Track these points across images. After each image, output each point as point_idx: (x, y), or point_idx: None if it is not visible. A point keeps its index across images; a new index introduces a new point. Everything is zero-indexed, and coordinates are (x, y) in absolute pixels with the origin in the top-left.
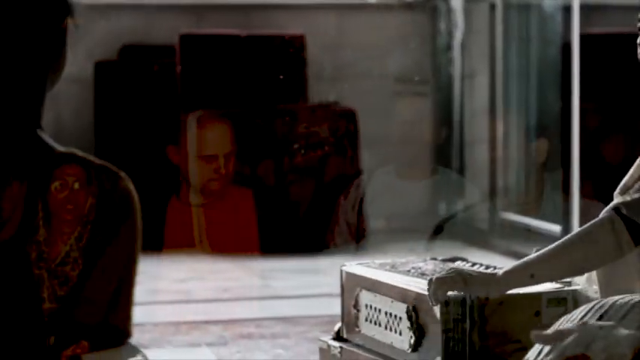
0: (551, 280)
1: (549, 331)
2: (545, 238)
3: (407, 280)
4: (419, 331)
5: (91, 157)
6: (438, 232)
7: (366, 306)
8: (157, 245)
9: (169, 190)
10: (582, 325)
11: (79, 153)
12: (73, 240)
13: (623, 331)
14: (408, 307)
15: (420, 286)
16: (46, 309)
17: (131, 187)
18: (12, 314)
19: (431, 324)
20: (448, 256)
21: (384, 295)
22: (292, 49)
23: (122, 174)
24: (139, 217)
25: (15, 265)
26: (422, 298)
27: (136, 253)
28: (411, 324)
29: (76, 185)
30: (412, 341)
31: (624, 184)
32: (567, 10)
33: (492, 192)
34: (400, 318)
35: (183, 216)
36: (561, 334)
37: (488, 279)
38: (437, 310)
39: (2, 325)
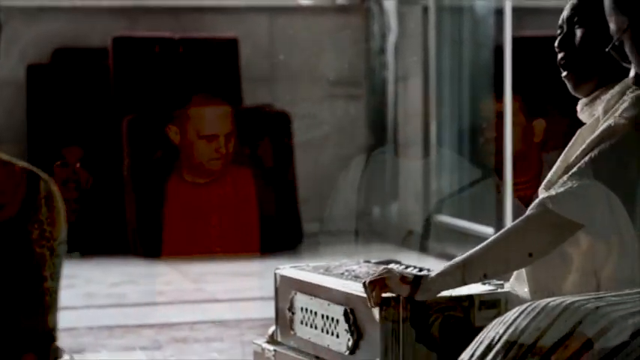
0: (483, 280)
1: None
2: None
3: (342, 283)
4: (357, 333)
5: (15, 160)
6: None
7: (302, 309)
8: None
9: (168, 170)
10: None
11: (4, 157)
12: None
13: None
14: (345, 310)
15: (358, 288)
16: (47, 288)
17: (55, 189)
18: (14, 292)
19: (369, 326)
20: (382, 258)
21: (320, 297)
22: (225, 52)
23: (45, 177)
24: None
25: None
26: (359, 300)
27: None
28: (349, 326)
29: None
30: (350, 343)
31: (548, 180)
32: (499, 12)
33: (426, 194)
34: (337, 320)
35: (184, 194)
36: None
37: (421, 280)
38: (375, 312)
39: (4, 305)
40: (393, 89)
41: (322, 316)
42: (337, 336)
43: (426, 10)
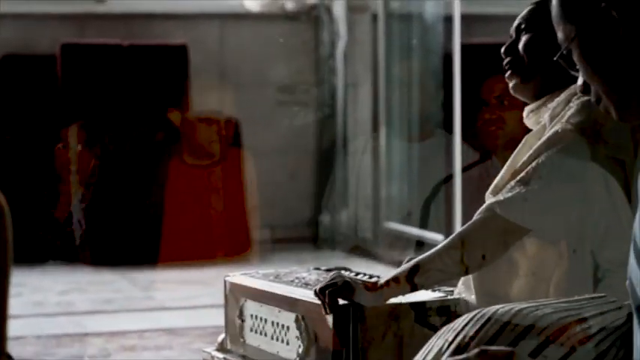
0: (433, 286)
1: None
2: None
3: (292, 290)
4: (307, 339)
5: None
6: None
7: (251, 316)
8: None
9: (168, 152)
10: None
11: None
12: None
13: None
14: (297, 317)
15: (309, 295)
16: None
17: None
18: None
19: (320, 333)
20: (331, 265)
21: (270, 304)
22: (175, 58)
23: None
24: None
25: None
26: (311, 307)
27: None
28: (300, 333)
29: None
30: (300, 350)
31: (495, 185)
32: (448, 20)
33: (376, 201)
34: (288, 327)
35: (185, 176)
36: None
37: (371, 287)
38: (329, 318)
39: None
40: (343, 96)
41: (272, 323)
42: (287, 343)
43: (375, 17)
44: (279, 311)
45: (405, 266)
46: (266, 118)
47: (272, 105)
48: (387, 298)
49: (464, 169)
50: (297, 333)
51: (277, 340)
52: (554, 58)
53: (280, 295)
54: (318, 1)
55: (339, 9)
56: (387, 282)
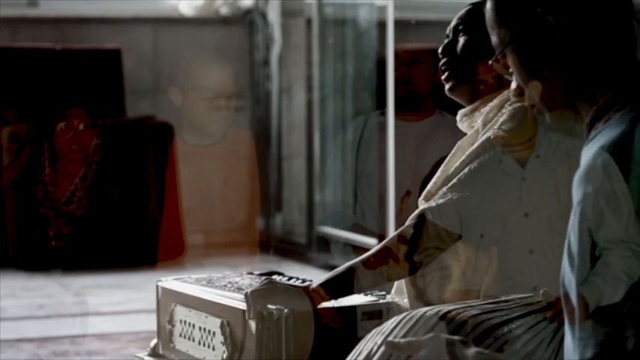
0: (365, 290)
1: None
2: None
3: (222, 295)
4: (232, 345)
5: None
6: None
7: (181, 321)
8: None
9: (170, 132)
10: (433, 338)
11: None
12: None
13: (471, 349)
14: (222, 322)
15: (235, 300)
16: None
17: None
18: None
19: (245, 338)
20: (264, 270)
21: (198, 310)
22: (108, 63)
23: None
24: None
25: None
26: (236, 312)
27: None
28: (225, 339)
29: None
30: (225, 356)
31: (428, 191)
32: (382, 25)
33: (310, 206)
34: (214, 333)
35: (187, 156)
36: (414, 346)
37: (302, 291)
38: (253, 324)
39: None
40: (277, 101)
41: (200, 328)
42: (213, 348)
43: (309, 22)
44: (206, 316)
45: (337, 270)
46: (200, 122)
47: (206, 109)
48: (319, 302)
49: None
50: (221, 338)
51: (204, 345)
52: (489, 62)
53: (206, 300)
54: (252, 6)
55: (273, 13)
56: (319, 286)
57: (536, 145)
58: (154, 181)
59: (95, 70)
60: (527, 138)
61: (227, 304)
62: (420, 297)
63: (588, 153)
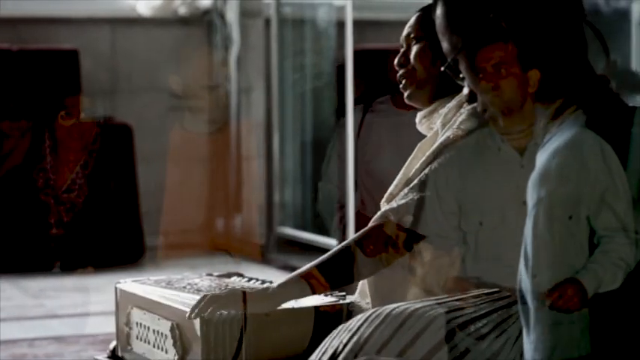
0: (326, 291)
1: (328, 345)
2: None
3: (174, 297)
4: (182, 349)
5: None
6: None
7: (137, 324)
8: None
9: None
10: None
11: None
12: None
13: None
14: (172, 325)
15: (186, 302)
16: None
17: None
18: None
19: (194, 342)
20: (224, 271)
21: (152, 312)
22: (65, 63)
23: None
24: None
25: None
26: (185, 315)
27: None
28: (175, 342)
29: None
30: (176, 359)
31: (390, 193)
32: (341, 25)
33: (269, 206)
34: (166, 335)
35: (189, 144)
36: None
37: (263, 294)
38: (197, 326)
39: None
40: (236, 101)
41: (154, 331)
42: (166, 351)
43: (268, 22)
44: (159, 319)
45: (297, 272)
46: (159, 123)
47: (165, 110)
48: (280, 304)
49: None
50: (172, 341)
51: (158, 347)
52: (442, 69)
53: (158, 302)
54: (210, 6)
55: (231, 14)
56: (280, 287)
57: (535, 132)
58: (114, 183)
59: (52, 70)
60: (526, 126)
61: (177, 306)
62: (384, 299)
63: (542, 156)
